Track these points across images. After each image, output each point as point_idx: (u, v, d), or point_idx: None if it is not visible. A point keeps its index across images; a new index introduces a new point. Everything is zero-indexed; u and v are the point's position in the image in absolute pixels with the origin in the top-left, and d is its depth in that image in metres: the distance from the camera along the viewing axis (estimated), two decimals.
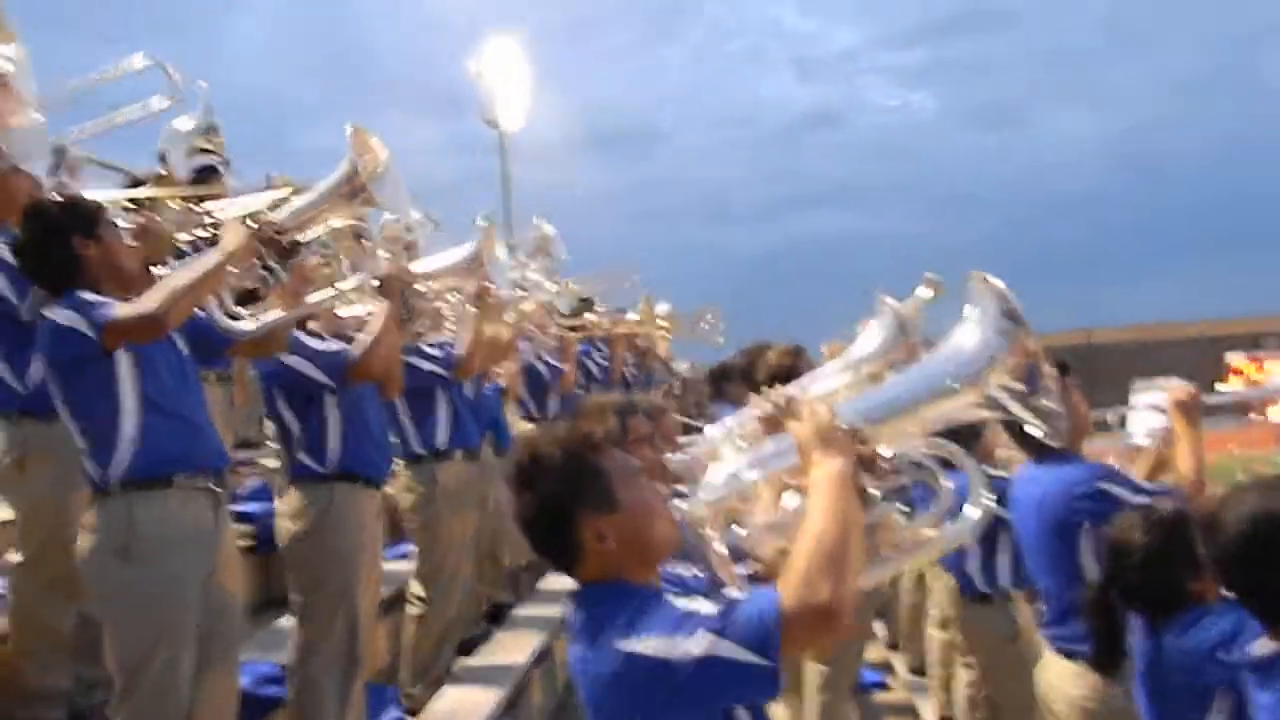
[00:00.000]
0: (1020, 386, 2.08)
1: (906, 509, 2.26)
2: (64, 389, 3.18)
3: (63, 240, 3.25)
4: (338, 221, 3.63)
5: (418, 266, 4.35)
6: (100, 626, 4.05)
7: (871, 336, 2.97)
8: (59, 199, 3.38)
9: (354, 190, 3.49)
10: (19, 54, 3.74)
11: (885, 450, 2.16)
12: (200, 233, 4.05)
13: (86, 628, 4.05)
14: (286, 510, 4.08)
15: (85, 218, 3.29)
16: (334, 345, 4.08)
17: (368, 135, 3.49)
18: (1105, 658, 2.92)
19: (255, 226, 3.41)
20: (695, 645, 1.82)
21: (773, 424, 2.86)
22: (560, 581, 7.15)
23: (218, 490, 3.29)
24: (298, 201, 3.65)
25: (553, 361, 7.42)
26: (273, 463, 6.57)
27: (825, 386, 2.97)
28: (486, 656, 5.52)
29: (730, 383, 8.00)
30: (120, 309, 3.11)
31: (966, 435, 2.72)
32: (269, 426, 6.10)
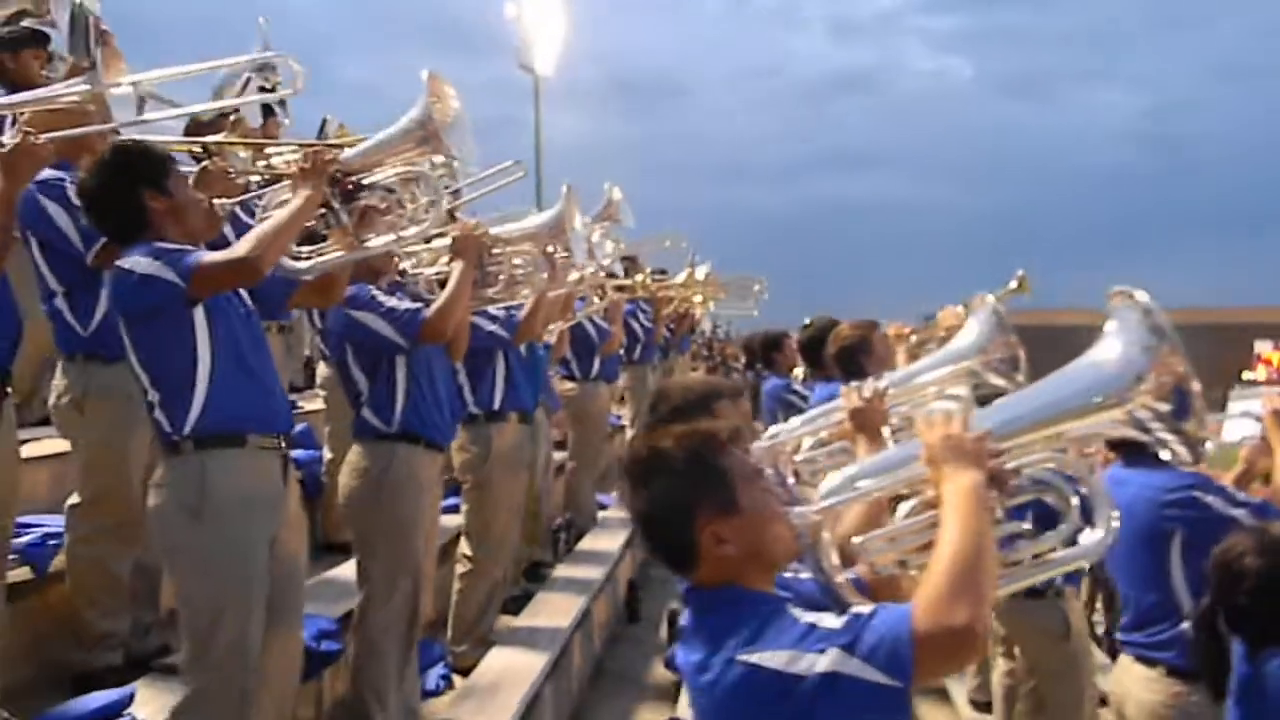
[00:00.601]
0: (1165, 407, 2.00)
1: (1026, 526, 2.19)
2: (137, 339, 3.10)
3: (131, 192, 3.16)
4: (405, 166, 3.50)
5: (498, 229, 4.26)
6: (156, 572, 4.12)
7: (969, 332, 2.88)
8: (129, 147, 3.26)
9: (426, 136, 3.35)
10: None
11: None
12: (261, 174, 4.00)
13: (142, 572, 4.08)
14: (348, 467, 4.05)
15: (154, 169, 3.19)
16: (408, 304, 4.02)
17: (442, 82, 3.38)
18: (1212, 678, 2.85)
19: (328, 167, 3.30)
20: (822, 661, 1.77)
21: (863, 419, 2.79)
22: (598, 543, 7.24)
23: (286, 452, 3.24)
24: (366, 143, 3.54)
25: (601, 323, 7.36)
26: (311, 405, 6.60)
27: (923, 381, 2.89)
28: (530, 618, 5.50)
29: (781, 353, 7.97)
30: (210, 256, 3.02)
31: None
32: (321, 372, 6.12)
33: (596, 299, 7.08)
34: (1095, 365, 2.07)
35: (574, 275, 4.90)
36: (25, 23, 5.40)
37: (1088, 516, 2.16)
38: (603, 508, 8.28)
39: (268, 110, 6.15)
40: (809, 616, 1.86)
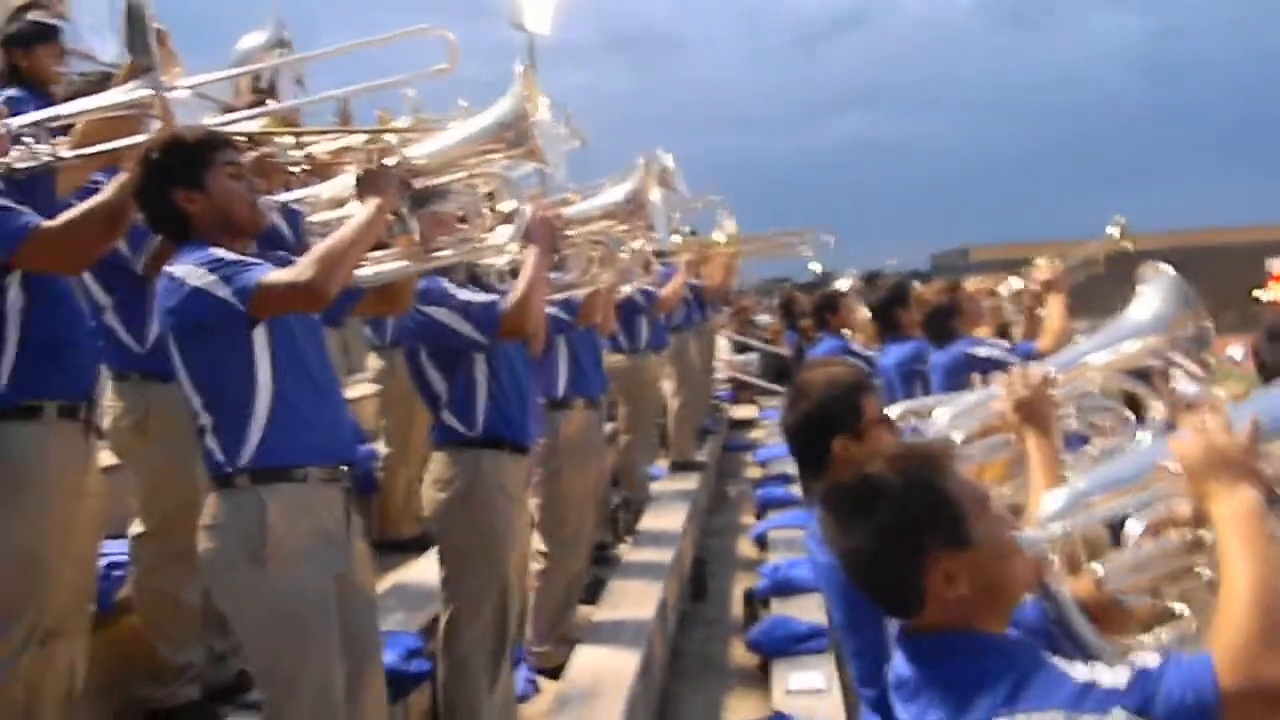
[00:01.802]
0: None
1: None
2: (188, 356, 2.77)
3: (164, 194, 2.83)
4: (486, 170, 3.16)
5: (571, 210, 3.94)
6: None
7: (1147, 304, 2.58)
8: (160, 142, 2.90)
9: (518, 137, 3.00)
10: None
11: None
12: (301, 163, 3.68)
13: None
14: (431, 477, 3.78)
15: (187, 165, 2.83)
16: (483, 296, 3.72)
17: (532, 82, 3.01)
18: None
19: (398, 169, 2.94)
20: None
21: (1032, 410, 2.50)
22: (659, 521, 6.98)
23: (349, 485, 2.92)
24: (440, 141, 3.16)
25: (649, 288, 7.00)
26: (357, 391, 6.34)
27: (1096, 361, 2.59)
28: (610, 610, 5.26)
29: (837, 313, 7.67)
30: (272, 276, 2.67)
31: None
32: (373, 364, 5.83)
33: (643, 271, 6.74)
34: None
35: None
36: (33, 16, 5.06)
37: None
38: (652, 479, 8.05)
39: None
40: (1079, 670, 1.60)
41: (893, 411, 2.93)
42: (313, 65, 5.41)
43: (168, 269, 2.76)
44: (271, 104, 4.17)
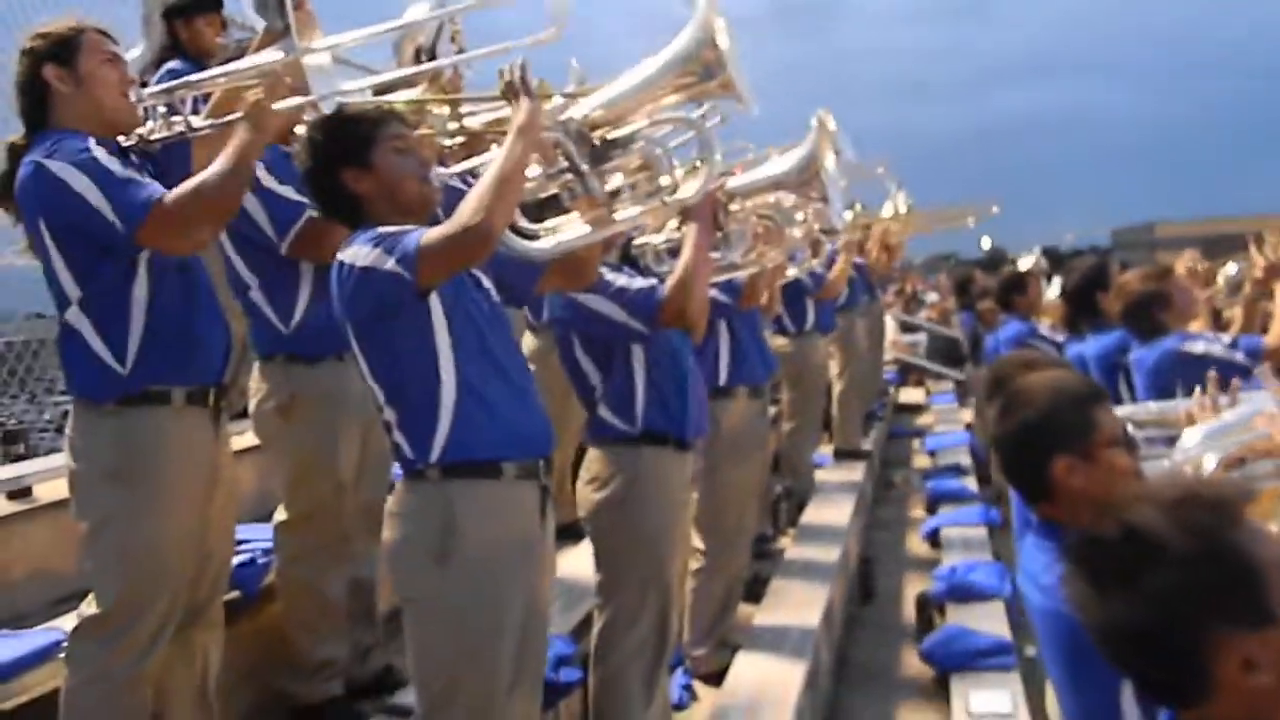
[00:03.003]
0: None
1: None
2: (368, 346, 2.58)
3: (330, 175, 2.65)
4: (672, 113, 2.75)
5: (735, 181, 3.56)
6: (371, 588, 3.70)
7: None
8: (324, 121, 2.69)
9: (706, 68, 2.57)
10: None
11: None
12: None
13: (358, 589, 3.68)
14: (587, 475, 3.50)
15: (352, 143, 2.63)
16: (640, 281, 3.39)
17: (712, 8, 2.62)
18: None
19: (543, 98, 2.61)
20: None
21: None
22: (823, 514, 6.57)
23: (546, 483, 2.67)
24: (614, 88, 2.80)
25: (816, 270, 6.59)
26: None
27: None
28: (771, 613, 4.90)
29: (1025, 295, 7.09)
30: (431, 233, 2.44)
31: None
32: (528, 344, 5.59)
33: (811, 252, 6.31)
34: None
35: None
36: None
37: None
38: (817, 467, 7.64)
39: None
40: None
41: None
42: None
43: (339, 255, 2.57)
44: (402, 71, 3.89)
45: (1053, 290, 8.67)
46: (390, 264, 2.43)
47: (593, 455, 3.51)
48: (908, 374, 14.20)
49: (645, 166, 2.76)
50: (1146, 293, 4.46)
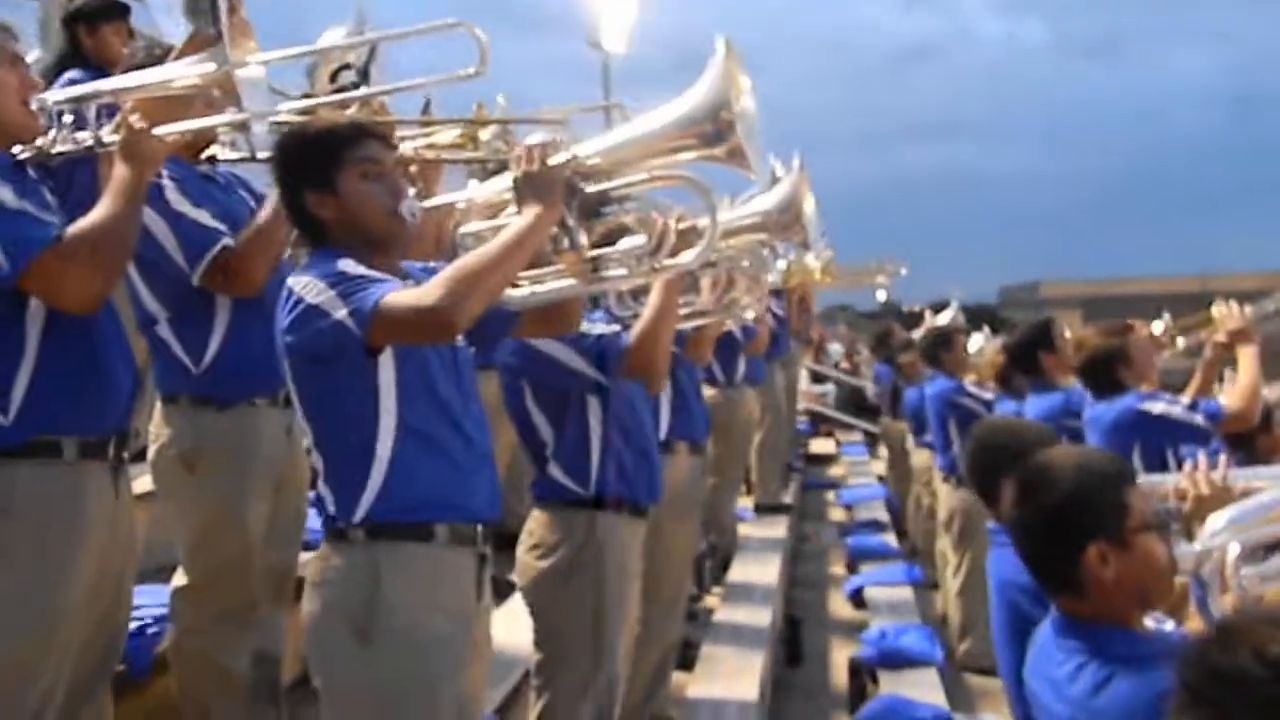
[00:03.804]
0: None
1: None
2: (301, 383, 2.31)
3: (296, 197, 2.39)
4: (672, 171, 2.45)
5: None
6: (277, 661, 3.31)
7: None
8: (287, 137, 2.45)
9: (718, 130, 2.31)
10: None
11: None
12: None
13: (262, 662, 3.27)
14: (530, 540, 3.18)
15: (316, 163, 2.35)
16: (602, 327, 3.12)
17: (738, 62, 2.37)
18: None
19: (567, 173, 2.33)
20: None
21: None
22: (750, 572, 6.31)
23: (485, 550, 2.38)
24: (615, 136, 2.55)
25: (750, 322, 6.39)
26: None
27: None
28: (708, 684, 4.60)
29: (952, 352, 6.99)
30: (394, 297, 2.16)
31: None
32: None
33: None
34: None
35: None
36: None
37: None
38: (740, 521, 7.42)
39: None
40: None
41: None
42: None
43: (289, 279, 2.29)
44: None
45: (973, 345, 8.67)
46: (342, 313, 2.16)
47: (538, 518, 3.20)
48: (819, 425, 14.15)
49: (639, 228, 2.51)
50: (1107, 349, 4.35)
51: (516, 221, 2.27)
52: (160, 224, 2.92)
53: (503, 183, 2.54)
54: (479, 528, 2.35)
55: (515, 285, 2.43)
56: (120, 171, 2.44)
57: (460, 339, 2.39)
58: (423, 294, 2.15)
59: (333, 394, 2.27)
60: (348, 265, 2.23)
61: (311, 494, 2.41)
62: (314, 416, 2.31)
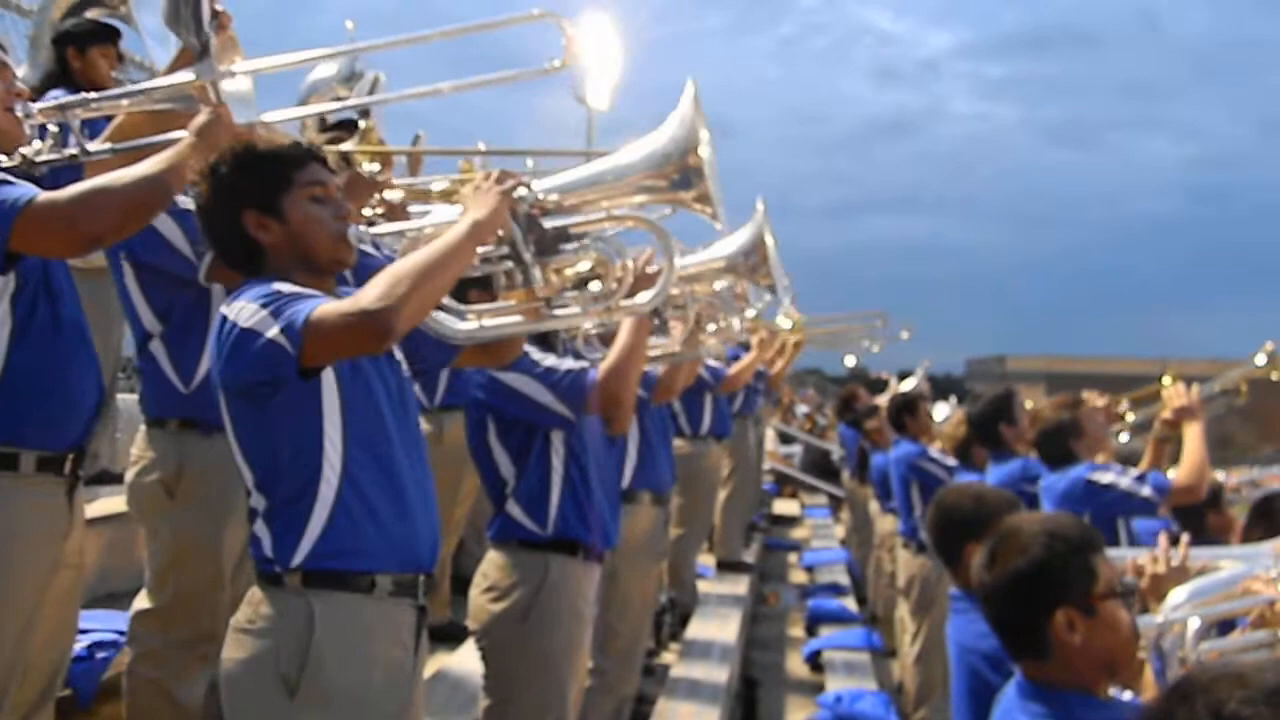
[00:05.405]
0: None
1: None
2: (238, 420, 2.20)
3: (231, 216, 2.27)
4: (633, 212, 2.49)
5: (680, 262, 3.34)
6: None
7: None
8: (231, 154, 2.33)
9: (683, 173, 2.33)
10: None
11: None
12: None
13: (215, 697, 3.20)
14: (484, 582, 3.16)
15: (261, 183, 2.26)
16: (570, 363, 3.13)
17: (701, 111, 2.39)
18: None
19: (512, 194, 2.32)
20: None
21: None
22: (708, 629, 6.28)
23: (424, 603, 2.30)
24: (578, 173, 2.55)
25: (715, 365, 6.39)
26: None
27: None
28: None
29: (916, 418, 7.04)
30: (327, 308, 2.07)
31: None
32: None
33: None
34: None
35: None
36: (91, 14, 4.63)
37: None
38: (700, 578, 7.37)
39: (349, 124, 5.33)
40: None
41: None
42: None
43: (223, 307, 2.19)
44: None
45: (939, 413, 8.72)
46: (274, 331, 2.05)
47: (493, 559, 3.18)
48: (783, 485, 14.14)
49: (596, 268, 2.50)
50: (1060, 421, 4.45)
51: (453, 228, 2.22)
52: (166, 220, 2.87)
53: (455, 211, 2.48)
54: (420, 578, 2.26)
55: (463, 319, 2.38)
56: (186, 141, 2.43)
57: (406, 370, 2.35)
58: (357, 298, 2.05)
59: (272, 430, 2.16)
60: (282, 285, 2.15)
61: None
62: (252, 455, 2.19)
